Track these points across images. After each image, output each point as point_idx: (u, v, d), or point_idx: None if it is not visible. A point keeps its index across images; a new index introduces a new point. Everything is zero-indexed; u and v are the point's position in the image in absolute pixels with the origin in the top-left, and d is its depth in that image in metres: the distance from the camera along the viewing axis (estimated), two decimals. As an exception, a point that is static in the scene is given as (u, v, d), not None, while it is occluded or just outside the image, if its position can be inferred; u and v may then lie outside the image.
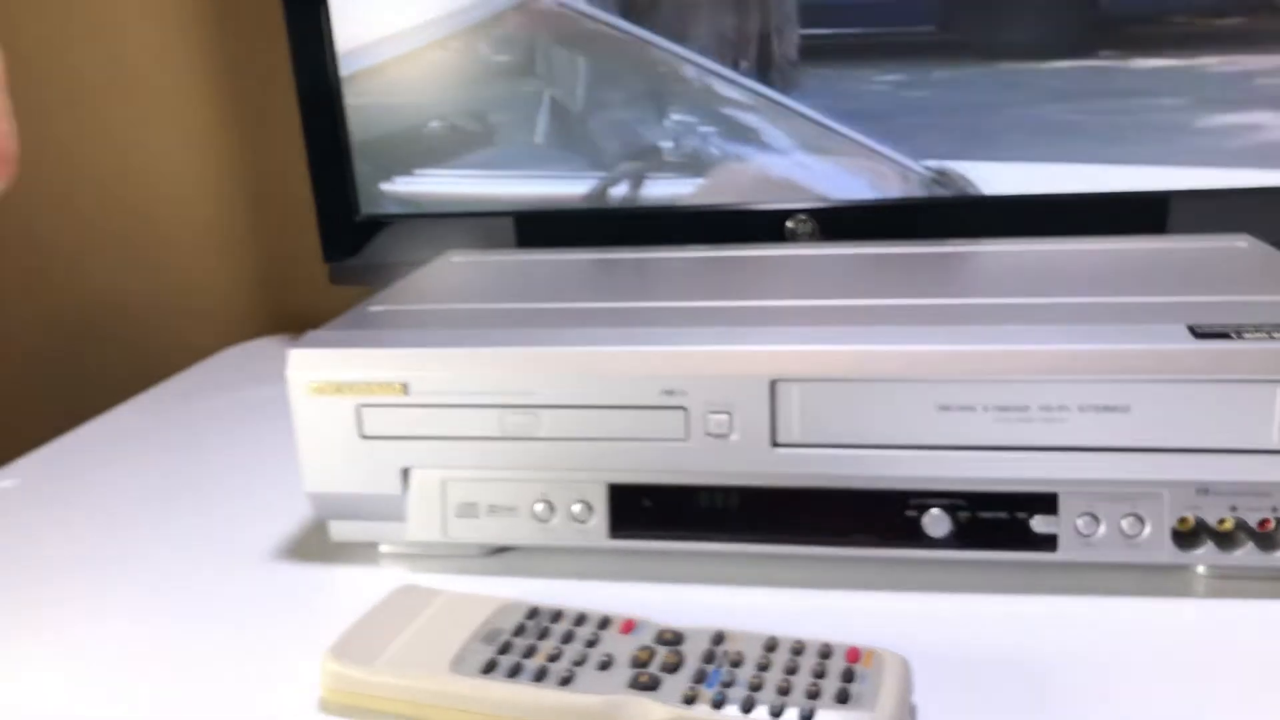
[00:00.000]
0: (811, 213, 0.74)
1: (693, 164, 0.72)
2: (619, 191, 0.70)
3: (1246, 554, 0.45)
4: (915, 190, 0.73)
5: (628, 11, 0.69)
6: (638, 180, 0.68)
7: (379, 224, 0.80)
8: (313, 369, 0.49)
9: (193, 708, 0.42)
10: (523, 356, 0.48)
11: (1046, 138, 0.71)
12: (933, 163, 0.71)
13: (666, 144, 0.72)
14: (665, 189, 0.74)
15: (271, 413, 0.76)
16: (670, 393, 0.47)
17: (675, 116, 0.70)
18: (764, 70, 0.69)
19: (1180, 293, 0.51)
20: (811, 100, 0.70)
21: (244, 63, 0.94)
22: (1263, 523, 0.45)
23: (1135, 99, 0.68)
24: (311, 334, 0.51)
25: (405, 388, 0.49)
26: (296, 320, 1.00)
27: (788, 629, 0.42)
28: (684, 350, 0.47)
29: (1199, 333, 0.45)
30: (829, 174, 0.72)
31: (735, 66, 0.68)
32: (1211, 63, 0.67)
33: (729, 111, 0.70)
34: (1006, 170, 0.72)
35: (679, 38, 0.69)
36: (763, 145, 0.71)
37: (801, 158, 0.72)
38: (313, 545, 0.55)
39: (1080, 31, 0.68)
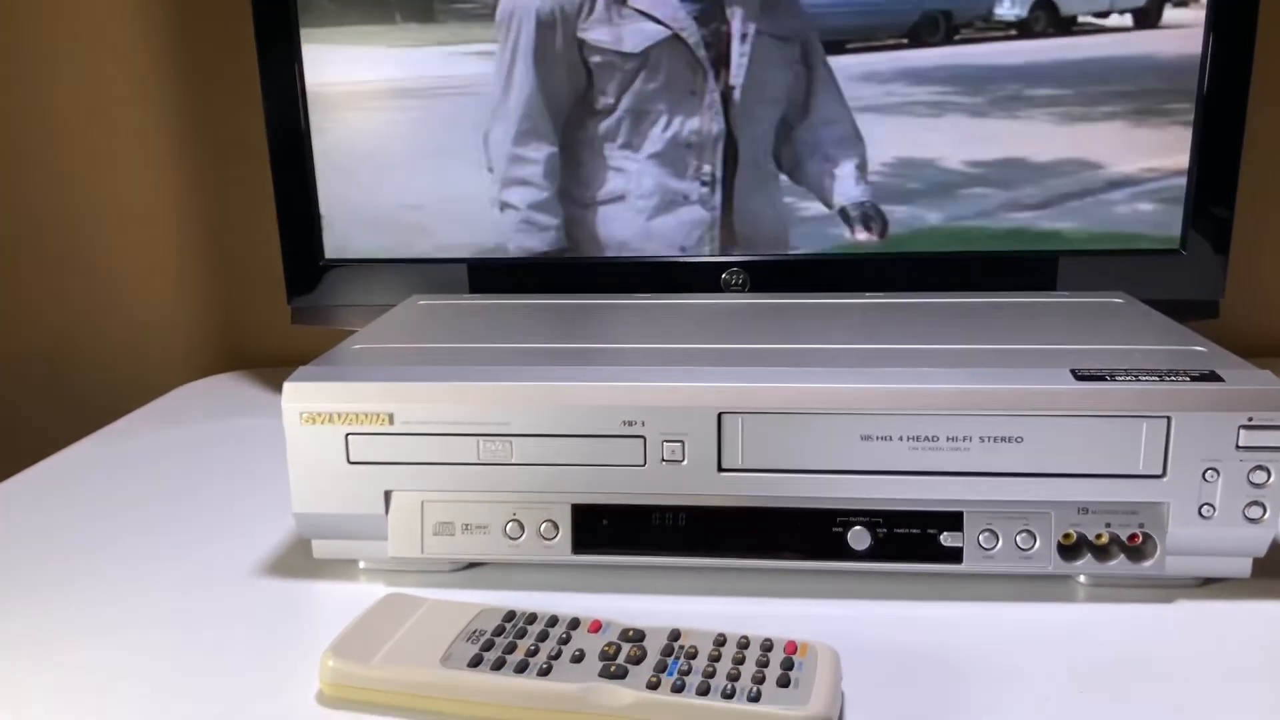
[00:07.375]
0: (743, 265, 0.82)
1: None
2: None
3: (1119, 564, 0.53)
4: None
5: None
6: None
7: (339, 266, 0.85)
8: (306, 400, 0.55)
9: (197, 708, 0.47)
10: (498, 390, 0.54)
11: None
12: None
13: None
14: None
15: (232, 443, 0.80)
16: (630, 423, 0.53)
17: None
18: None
19: (1065, 341, 0.59)
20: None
21: (210, 104, 0.98)
22: (1132, 537, 0.53)
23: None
24: (303, 369, 0.56)
25: (391, 418, 0.54)
26: (251, 358, 1.04)
27: (733, 629, 0.49)
28: (643, 385, 0.53)
29: (1079, 376, 0.53)
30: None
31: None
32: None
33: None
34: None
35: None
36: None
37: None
38: (292, 563, 0.60)
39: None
